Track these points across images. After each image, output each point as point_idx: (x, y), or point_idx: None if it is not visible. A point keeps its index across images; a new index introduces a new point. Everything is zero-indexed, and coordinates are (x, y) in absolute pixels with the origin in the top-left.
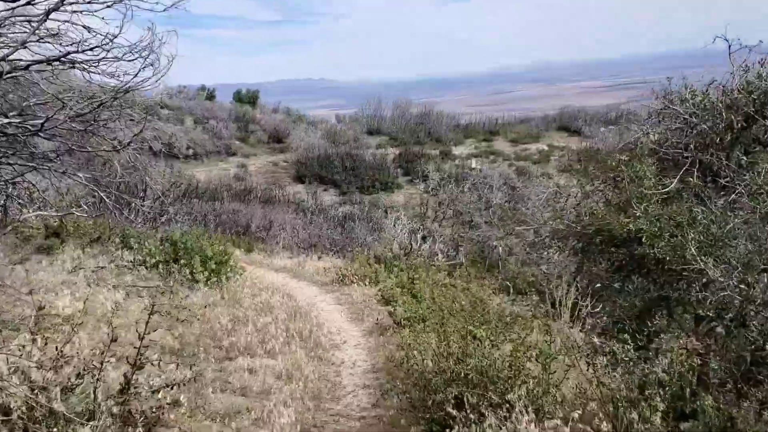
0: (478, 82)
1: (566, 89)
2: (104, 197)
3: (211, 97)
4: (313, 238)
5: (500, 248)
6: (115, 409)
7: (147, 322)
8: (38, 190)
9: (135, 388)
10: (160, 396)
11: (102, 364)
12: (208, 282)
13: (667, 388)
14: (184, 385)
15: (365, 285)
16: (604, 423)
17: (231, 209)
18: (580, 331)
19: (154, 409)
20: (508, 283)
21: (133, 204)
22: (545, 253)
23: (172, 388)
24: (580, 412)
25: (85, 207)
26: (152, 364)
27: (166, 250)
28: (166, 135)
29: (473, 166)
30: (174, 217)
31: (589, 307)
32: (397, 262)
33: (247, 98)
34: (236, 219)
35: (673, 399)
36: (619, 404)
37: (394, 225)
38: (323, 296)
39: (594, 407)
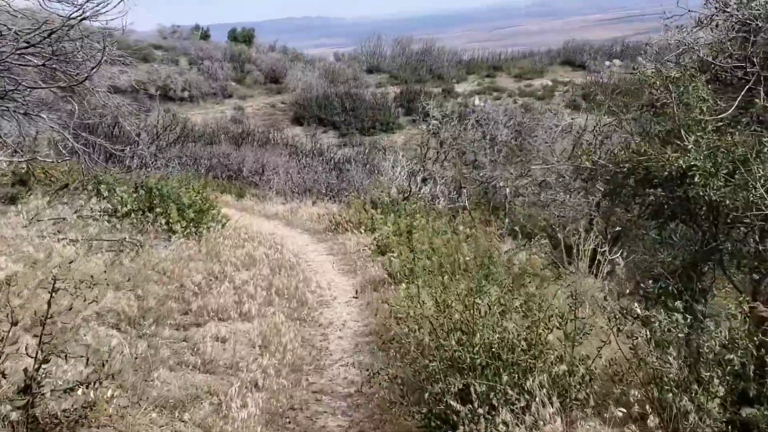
0: (480, 18)
1: (571, 23)
2: (71, 140)
3: (205, 36)
4: (307, 182)
5: (507, 189)
6: (14, 415)
7: (52, 292)
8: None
9: (40, 386)
10: (80, 393)
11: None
12: (186, 233)
13: (727, 367)
14: (114, 378)
15: (360, 233)
16: (651, 415)
17: (222, 152)
18: (603, 282)
19: (71, 411)
20: (516, 228)
21: (113, 148)
22: (558, 194)
23: (95, 384)
24: (617, 400)
25: (51, 152)
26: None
27: (140, 199)
28: (161, 77)
29: (476, 103)
30: (165, 162)
31: (614, 257)
32: (395, 207)
33: (243, 37)
34: (228, 163)
35: (735, 379)
36: (667, 389)
37: (392, 167)
38: (315, 246)
39: (636, 394)
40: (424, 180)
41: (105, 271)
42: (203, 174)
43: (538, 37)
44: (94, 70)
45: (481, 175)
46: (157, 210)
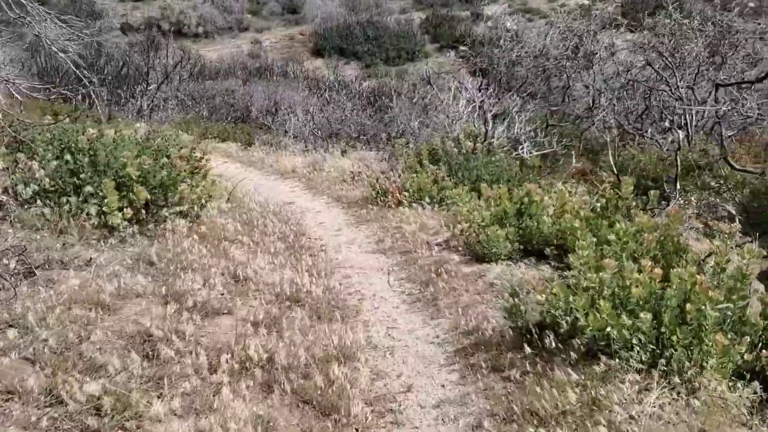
0: None
1: None
2: None
3: None
4: (333, 123)
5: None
6: None
7: None
8: None
9: None
10: None
11: None
12: (135, 229)
13: None
14: None
15: (422, 206)
16: None
17: (224, 89)
18: None
19: None
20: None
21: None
22: None
23: None
24: None
25: None
26: None
27: (61, 171)
28: (174, 13)
29: (508, 26)
30: (158, 104)
31: None
32: (471, 159)
33: None
34: (233, 102)
35: None
36: None
37: (453, 99)
38: (352, 232)
39: None
40: (495, 117)
41: None
42: (206, 117)
43: None
44: None
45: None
46: (87, 190)
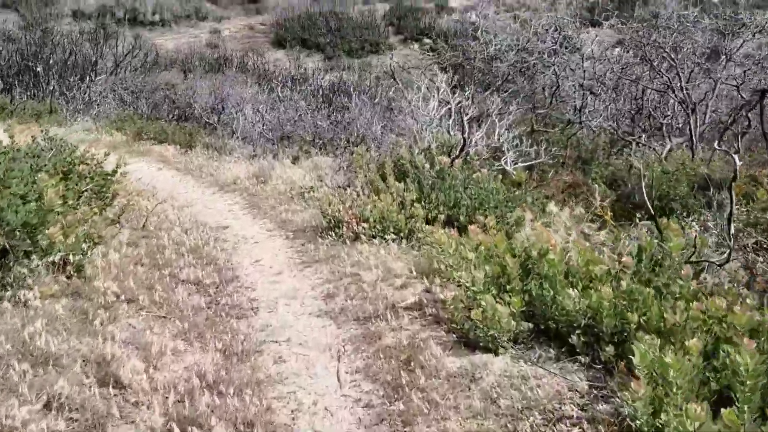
0: None
1: None
2: None
3: None
4: (285, 124)
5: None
6: None
7: None
8: None
9: None
10: None
11: None
12: None
13: None
14: None
15: (386, 242)
16: None
17: (164, 82)
18: None
19: None
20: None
21: None
22: None
23: None
24: None
25: None
26: None
27: None
28: (129, 0)
29: (473, 19)
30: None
31: None
32: (447, 178)
33: None
34: (174, 97)
35: None
36: None
37: (422, 100)
38: (293, 276)
39: None
40: (471, 121)
41: None
42: (146, 114)
43: None
44: None
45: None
46: None
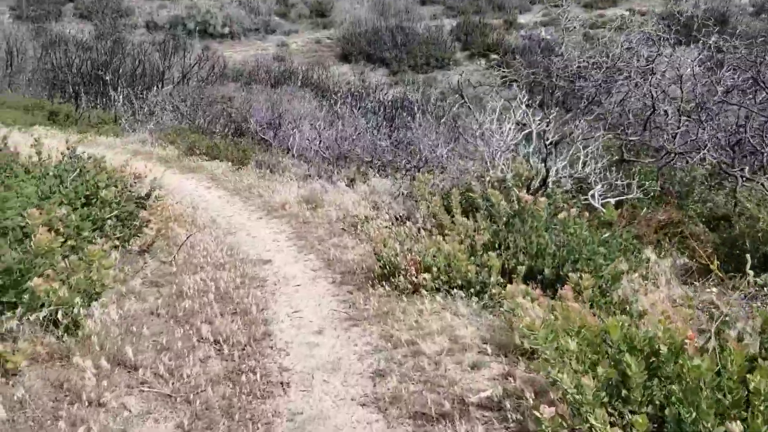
0: None
1: None
2: None
3: None
4: (342, 143)
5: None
6: None
7: None
8: None
9: None
10: None
11: None
12: None
13: None
14: None
15: (452, 298)
16: None
17: (221, 95)
18: None
19: None
20: None
21: None
22: None
23: None
24: None
25: None
26: None
27: None
28: (200, 12)
29: (542, 35)
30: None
31: None
32: (528, 219)
33: None
34: (231, 111)
35: None
36: None
37: (495, 122)
38: (336, 337)
39: None
40: (549, 145)
41: None
42: (202, 127)
43: None
44: None
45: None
46: None
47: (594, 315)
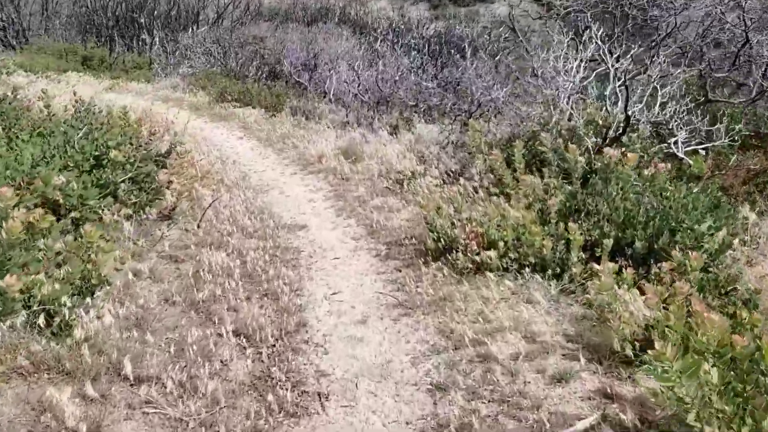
0: None
1: None
2: None
3: None
4: (384, 86)
5: None
6: None
7: None
8: None
9: None
10: None
11: None
12: None
13: None
14: None
15: (524, 278)
16: None
17: (252, 37)
18: None
19: None
20: None
21: None
22: None
23: None
24: None
25: None
26: None
27: None
28: None
29: None
30: (186, 53)
31: None
32: (611, 178)
33: None
34: (264, 52)
35: None
36: None
37: (561, 59)
38: (384, 329)
39: None
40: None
41: None
42: (234, 71)
43: None
44: None
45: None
46: None
47: (733, 329)
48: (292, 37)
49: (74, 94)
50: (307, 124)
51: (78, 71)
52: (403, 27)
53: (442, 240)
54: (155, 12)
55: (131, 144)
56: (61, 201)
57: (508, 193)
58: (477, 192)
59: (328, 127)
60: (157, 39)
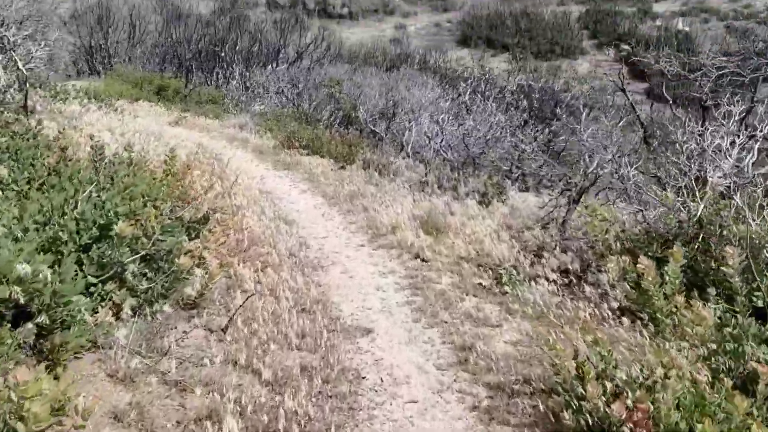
0: None
1: None
2: None
3: None
4: (472, 144)
5: None
6: None
7: None
8: None
9: None
10: None
11: None
12: None
13: None
14: None
15: None
16: None
17: (329, 79)
18: None
19: None
20: None
21: None
22: None
23: None
24: None
25: None
26: None
27: None
28: None
29: (679, 27)
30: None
31: None
32: None
33: None
34: (339, 96)
35: None
36: None
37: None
38: None
39: None
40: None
41: None
42: (306, 113)
43: None
44: None
45: None
46: None
47: None
48: (371, 81)
49: (91, 138)
50: (381, 180)
51: (150, 101)
52: (487, 80)
53: (588, 417)
54: (237, 47)
55: (158, 207)
56: (21, 300)
57: (656, 320)
58: (618, 316)
59: (404, 187)
60: (237, 73)
